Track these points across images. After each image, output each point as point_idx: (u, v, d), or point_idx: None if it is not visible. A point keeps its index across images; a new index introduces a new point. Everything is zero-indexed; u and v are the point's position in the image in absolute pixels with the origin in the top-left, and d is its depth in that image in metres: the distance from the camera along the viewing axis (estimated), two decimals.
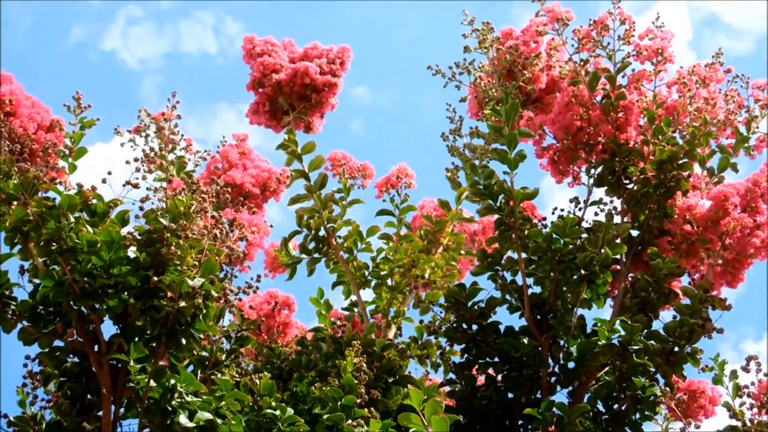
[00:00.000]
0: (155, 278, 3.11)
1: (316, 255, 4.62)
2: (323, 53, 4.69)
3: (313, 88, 4.61)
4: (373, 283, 4.57)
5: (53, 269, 3.18)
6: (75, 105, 3.42)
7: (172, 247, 3.11)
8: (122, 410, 3.31)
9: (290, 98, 4.64)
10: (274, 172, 4.60)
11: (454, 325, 4.04)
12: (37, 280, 3.25)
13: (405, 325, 4.42)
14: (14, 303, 3.23)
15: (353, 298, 4.56)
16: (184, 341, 3.15)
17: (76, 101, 3.42)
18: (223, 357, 3.67)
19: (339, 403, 3.27)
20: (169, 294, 3.13)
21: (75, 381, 3.31)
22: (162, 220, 3.15)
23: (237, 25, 14.22)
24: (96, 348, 3.25)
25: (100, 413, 3.27)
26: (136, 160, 3.39)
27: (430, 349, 4.12)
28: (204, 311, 3.14)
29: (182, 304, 3.10)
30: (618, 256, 4.12)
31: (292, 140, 4.46)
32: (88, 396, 3.30)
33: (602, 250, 3.91)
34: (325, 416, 3.24)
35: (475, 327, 4.05)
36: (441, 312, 4.14)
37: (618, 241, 4.06)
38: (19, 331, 3.25)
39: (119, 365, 3.26)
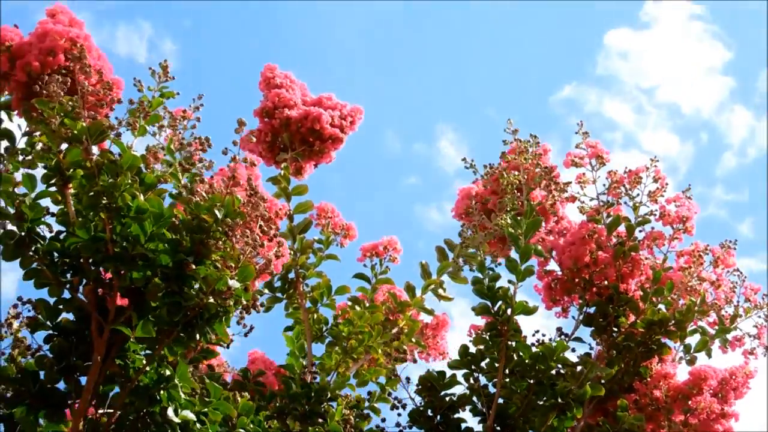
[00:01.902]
0: (193, 266, 3.05)
1: (279, 295, 4.57)
2: (336, 106, 4.70)
3: (320, 135, 4.59)
4: (327, 341, 4.55)
5: (91, 223, 3.09)
6: (161, 71, 3.36)
7: (220, 243, 3.07)
8: None
9: (293, 137, 4.63)
10: (275, 205, 4.56)
11: (421, 408, 4.01)
12: (61, 227, 3.18)
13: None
14: (41, 243, 3.13)
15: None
16: (198, 336, 3.09)
17: (162, 69, 3.36)
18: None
19: None
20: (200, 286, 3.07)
21: (65, 338, 3.20)
22: (217, 212, 3.10)
23: (173, 47, 14.22)
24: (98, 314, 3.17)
25: (81, 377, 3.19)
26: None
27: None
28: (228, 314, 3.09)
29: (211, 300, 3.04)
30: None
31: (286, 177, 4.44)
32: (73, 358, 3.20)
33: (582, 387, 3.94)
34: None
35: (440, 417, 4.03)
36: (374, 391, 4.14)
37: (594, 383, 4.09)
38: (32, 270, 3.16)
39: (113, 339, 3.18)
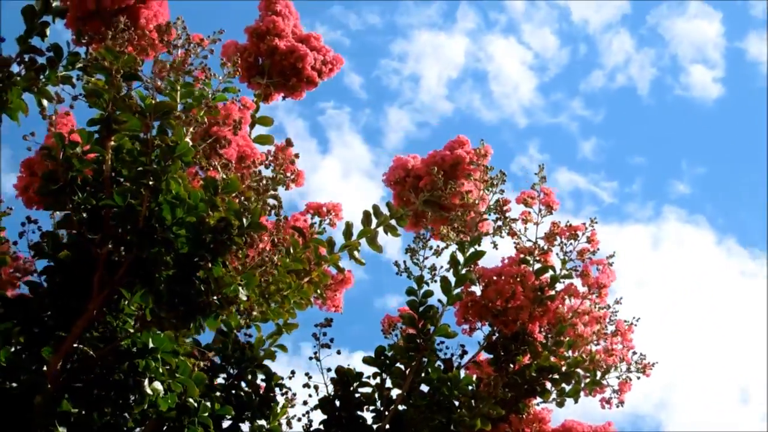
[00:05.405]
0: (210, 264, 3.26)
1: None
2: (322, 49, 4.86)
3: (298, 73, 4.77)
4: None
5: (128, 190, 3.25)
6: (230, 66, 3.47)
7: (239, 252, 3.28)
8: None
9: (274, 66, 4.78)
10: (255, 154, 4.70)
11: (330, 397, 4.31)
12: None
13: None
14: (79, 195, 3.27)
15: None
16: (191, 326, 3.31)
17: (233, 64, 3.47)
18: None
19: None
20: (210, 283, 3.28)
21: (62, 275, 3.36)
22: (244, 219, 3.30)
23: None
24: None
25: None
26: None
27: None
28: (224, 317, 3.32)
29: (215, 299, 3.27)
30: None
31: (256, 103, 4.63)
32: (67, 298, 3.37)
33: (473, 419, 4.30)
34: None
35: (344, 411, 4.33)
36: None
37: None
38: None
39: (111, 294, 3.35)
